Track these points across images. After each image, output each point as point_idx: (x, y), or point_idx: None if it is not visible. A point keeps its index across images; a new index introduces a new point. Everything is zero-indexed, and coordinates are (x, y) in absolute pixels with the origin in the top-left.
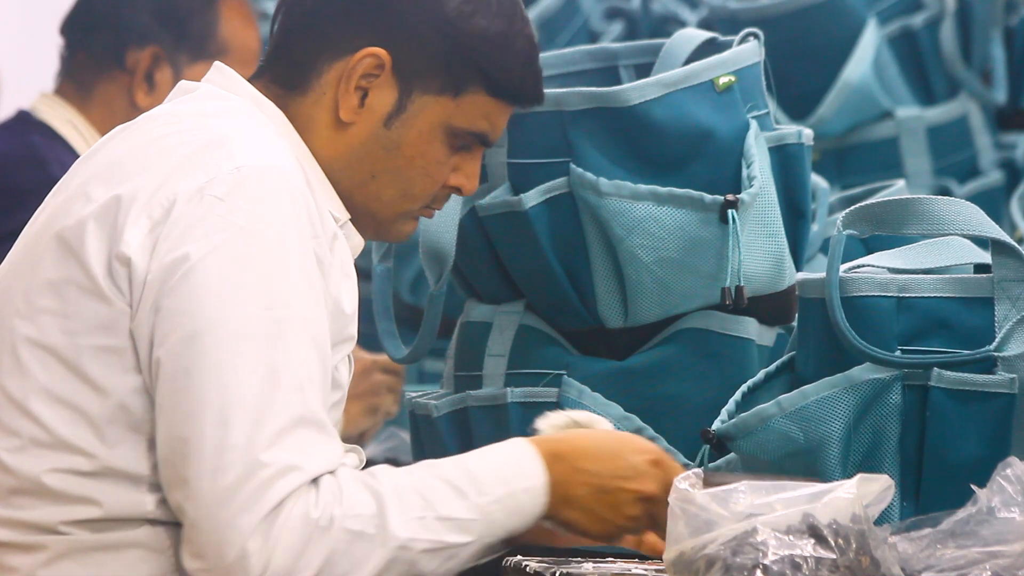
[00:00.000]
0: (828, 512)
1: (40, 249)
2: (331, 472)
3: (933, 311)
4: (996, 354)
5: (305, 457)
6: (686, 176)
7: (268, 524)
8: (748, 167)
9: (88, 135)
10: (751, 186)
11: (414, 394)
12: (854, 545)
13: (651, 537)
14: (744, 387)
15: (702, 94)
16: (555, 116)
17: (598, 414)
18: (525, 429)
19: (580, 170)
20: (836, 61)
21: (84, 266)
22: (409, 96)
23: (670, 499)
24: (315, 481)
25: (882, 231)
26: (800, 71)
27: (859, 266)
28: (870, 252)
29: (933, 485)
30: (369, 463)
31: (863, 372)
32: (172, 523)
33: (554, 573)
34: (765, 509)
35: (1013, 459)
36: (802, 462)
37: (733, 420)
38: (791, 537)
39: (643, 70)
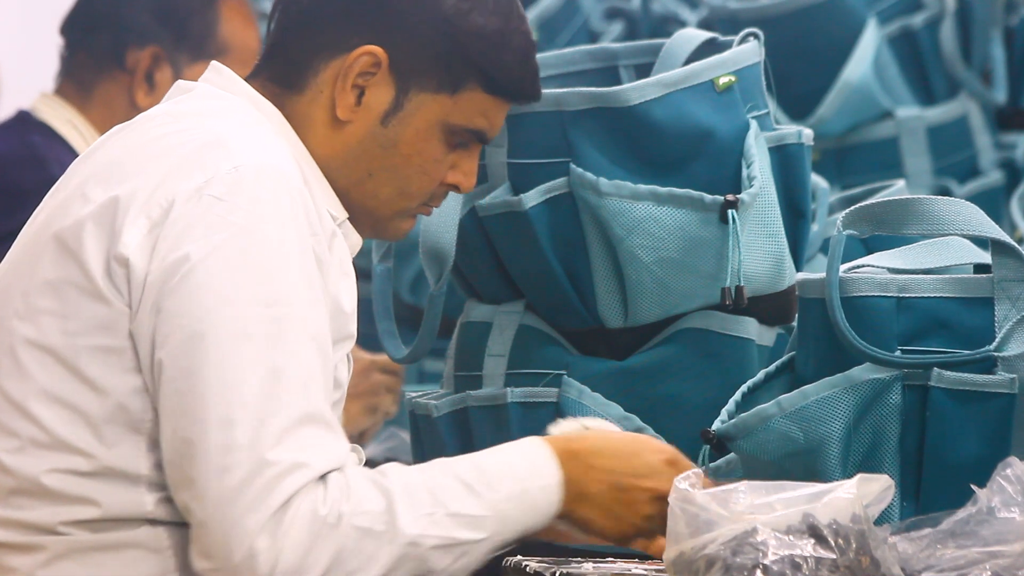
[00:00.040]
0: (828, 512)
1: (38, 249)
2: (339, 469)
3: (933, 311)
4: (996, 354)
5: (311, 454)
6: (686, 176)
7: (276, 522)
8: (748, 167)
9: (88, 135)
10: (751, 186)
11: (414, 394)
12: (854, 545)
13: (663, 542)
14: (744, 387)
15: (702, 94)
16: (555, 116)
17: (598, 414)
18: (525, 429)
19: (580, 170)
20: (836, 61)
21: (82, 267)
22: (406, 94)
23: (670, 499)
24: (323, 478)
25: (882, 231)
26: (800, 71)
27: (859, 266)
28: (870, 252)
29: (933, 485)
30: (369, 463)
31: (863, 372)
32: (171, 523)
33: (554, 573)
34: (765, 509)
35: (1013, 459)
36: (802, 462)
37: (733, 420)
38: (791, 537)
39: (643, 70)
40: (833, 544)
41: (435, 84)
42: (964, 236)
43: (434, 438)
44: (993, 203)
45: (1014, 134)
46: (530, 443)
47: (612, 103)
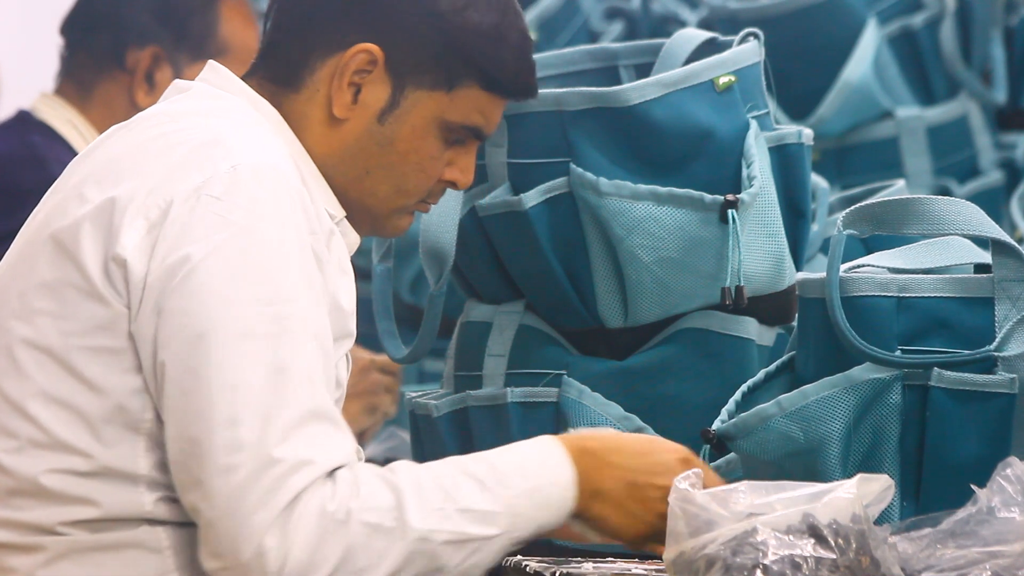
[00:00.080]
0: (828, 512)
1: (36, 250)
2: (347, 466)
3: (933, 311)
4: (996, 354)
5: (318, 451)
6: (686, 176)
7: (284, 519)
8: (748, 167)
9: (88, 135)
10: (751, 186)
11: (414, 394)
12: (854, 545)
13: None
14: (744, 387)
15: (702, 94)
16: (555, 116)
17: (599, 415)
18: (525, 429)
19: (580, 170)
20: (836, 61)
21: (80, 267)
22: (402, 91)
23: (670, 499)
24: (331, 475)
25: (882, 231)
26: (800, 71)
27: (859, 266)
28: (870, 252)
29: (933, 485)
30: (369, 463)
31: (863, 372)
32: (170, 523)
33: (554, 573)
34: (765, 509)
35: (1013, 459)
36: (802, 462)
37: (733, 420)
38: (791, 537)
39: (643, 70)
40: (833, 544)
41: (431, 81)
42: (964, 236)
43: (434, 438)
44: (993, 203)
45: (1014, 134)
46: (543, 441)
47: (612, 103)
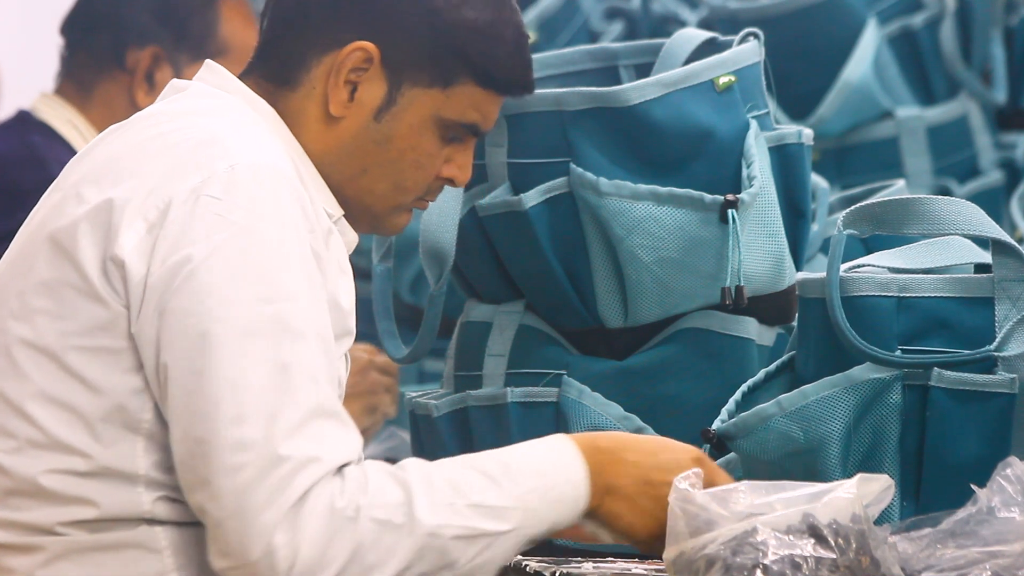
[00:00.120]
0: (828, 512)
1: (34, 250)
2: (355, 462)
3: (933, 311)
4: (996, 354)
5: (324, 448)
6: (686, 176)
7: (293, 517)
8: (748, 167)
9: (88, 135)
10: (751, 186)
11: (414, 394)
12: (854, 545)
13: None
14: (744, 387)
15: (702, 94)
16: (555, 116)
17: (599, 415)
18: (525, 429)
19: (580, 170)
20: (836, 61)
21: (78, 267)
22: (398, 89)
23: (670, 499)
24: (340, 472)
25: (882, 231)
26: (800, 71)
27: (859, 266)
28: (870, 252)
29: (933, 485)
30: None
31: (863, 372)
32: (169, 523)
33: (554, 573)
34: (765, 509)
35: (1013, 459)
36: (802, 462)
37: (733, 420)
38: (791, 537)
39: (643, 70)
40: (833, 544)
41: (427, 78)
42: (964, 236)
43: (434, 438)
44: (993, 203)
45: (1014, 134)
46: (554, 438)
47: (612, 103)
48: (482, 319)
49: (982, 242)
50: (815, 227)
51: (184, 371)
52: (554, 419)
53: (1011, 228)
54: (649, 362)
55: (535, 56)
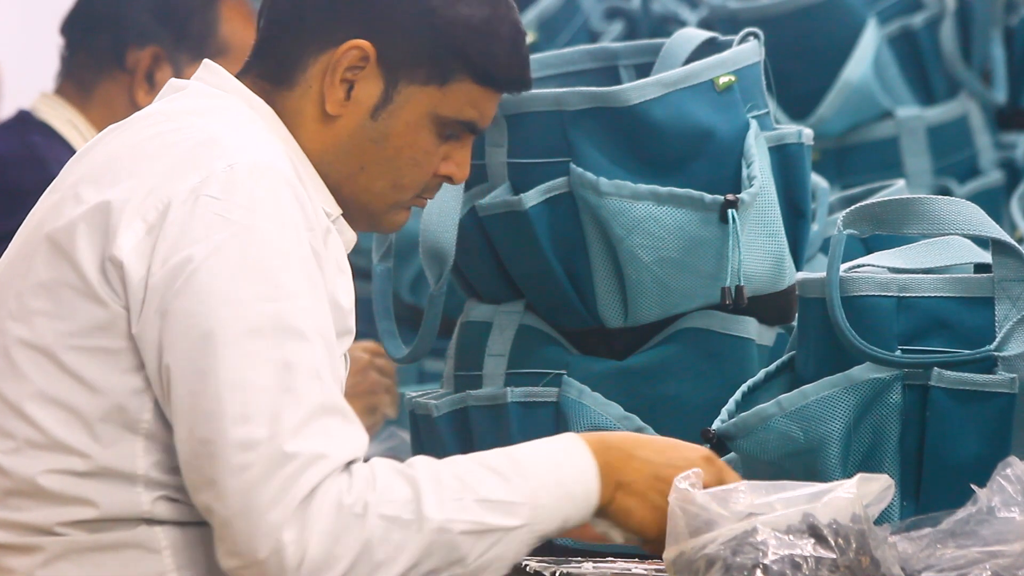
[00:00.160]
0: (828, 512)
1: (32, 250)
2: (362, 459)
3: (933, 311)
4: (996, 354)
5: (331, 444)
6: (686, 176)
7: (301, 514)
8: (748, 167)
9: (88, 135)
10: (751, 186)
11: (414, 394)
12: (854, 545)
13: None
14: (744, 387)
15: (702, 94)
16: (555, 116)
17: (599, 414)
18: (525, 429)
19: (580, 170)
20: (836, 61)
21: (76, 268)
22: (395, 87)
23: (670, 499)
24: (347, 469)
25: (882, 231)
26: (800, 71)
27: (859, 266)
28: (870, 252)
29: (933, 485)
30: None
31: (863, 372)
32: (169, 522)
33: (554, 573)
34: (765, 509)
35: (1013, 459)
36: (802, 462)
37: (733, 420)
38: (791, 537)
39: (643, 70)
40: (833, 544)
41: (423, 76)
42: (964, 236)
43: (434, 438)
44: (993, 203)
45: (1014, 134)
46: (563, 436)
47: (612, 103)
48: (482, 319)
49: (982, 242)
50: (815, 227)
51: (187, 372)
52: (554, 419)
53: (1011, 228)
54: (649, 362)
55: (535, 56)
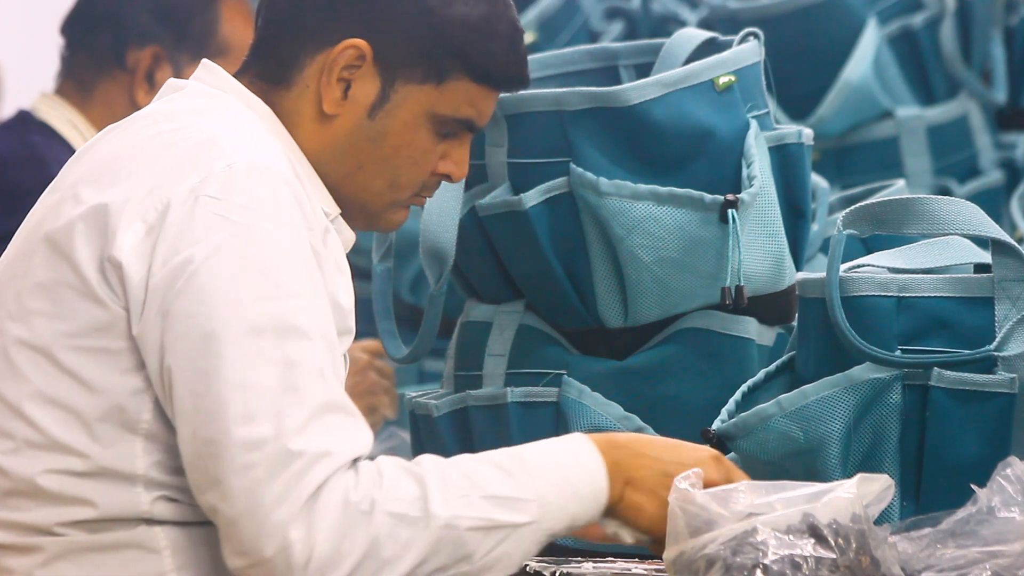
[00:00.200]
0: (828, 512)
1: (31, 250)
2: (368, 457)
3: (933, 311)
4: (996, 354)
5: (335, 442)
6: (686, 176)
7: (307, 511)
8: (748, 167)
9: (88, 135)
10: (751, 186)
11: (414, 394)
12: (854, 545)
13: None
14: (744, 387)
15: (702, 94)
16: (555, 116)
17: (599, 414)
18: (525, 429)
19: (580, 170)
20: (836, 61)
21: (75, 268)
22: (392, 86)
23: (670, 499)
24: (354, 466)
25: (882, 231)
26: (800, 71)
27: (859, 266)
28: (870, 252)
29: (933, 485)
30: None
31: (863, 372)
32: (168, 522)
33: (554, 573)
34: (765, 509)
35: (1013, 459)
36: (802, 462)
37: (733, 420)
38: (791, 537)
39: (643, 70)
40: (833, 544)
41: (420, 75)
42: (964, 236)
43: (434, 438)
44: (993, 203)
45: (1014, 134)
46: (570, 435)
47: (612, 103)
48: (482, 319)
49: (982, 242)
50: (815, 227)
51: (190, 372)
52: (554, 419)
53: (1011, 228)
54: (649, 362)
55: (535, 56)
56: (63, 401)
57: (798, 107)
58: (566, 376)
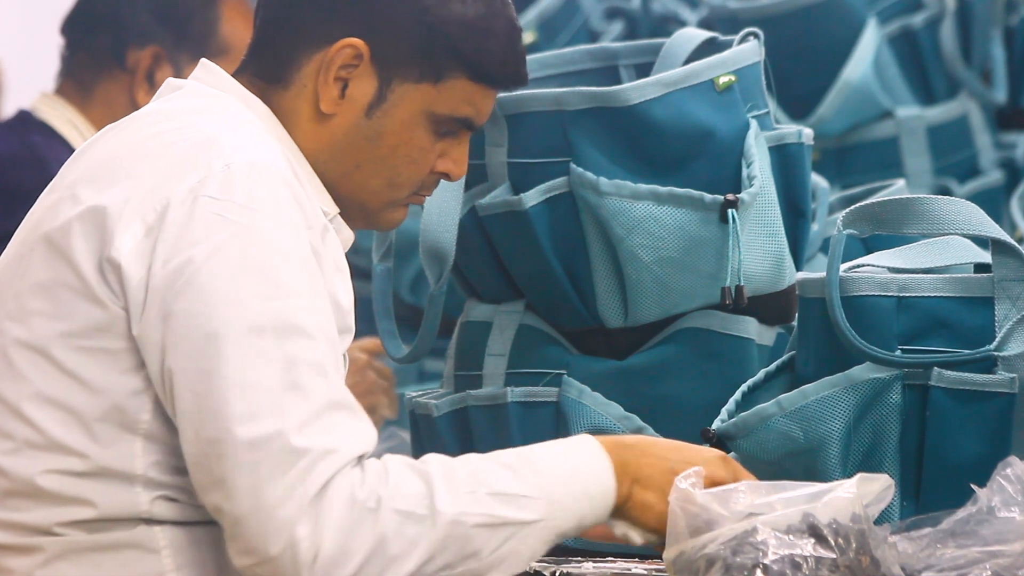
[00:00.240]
0: (828, 512)
1: (30, 250)
2: (373, 455)
3: (933, 311)
4: (996, 354)
5: (340, 439)
6: (686, 176)
7: (313, 509)
8: (748, 167)
9: (88, 135)
10: (751, 186)
11: (414, 394)
12: (854, 545)
13: None
14: (744, 387)
15: (702, 94)
16: (555, 116)
17: (599, 414)
18: (525, 428)
19: (580, 170)
20: (836, 61)
21: (74, 268)
22: (389, 85)
23: (670, 499)
24: (359, 463)
25: (882, 231)
26: (800, 71)
27: (859, 266)
28: (870, 252)
29: (933, 485)
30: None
31: (863, 372)
32: (168, 522)
33: (554, 573)
34: (765, 509)
35: (1013, 459)
36: (802, 462)
37: (733, 420)
38: (791, 537)
39: (643, 70)
40: (833, 544)
41: (418, 74)
42: (964, 235)
43: (434, 438)
44: (993, 203)
45: (1014, 134)
46: (576, 436)
47: (612, 103)
48: (482, 319)
49: (982, 242)
50: (815, 227)
51: (192, 373)
52: (554, 419)
53: (1011, 228)
54: (649, 362)
55: (535, 56)
56: (62, 401)
57: (798, 107)
58: (566, 376)
